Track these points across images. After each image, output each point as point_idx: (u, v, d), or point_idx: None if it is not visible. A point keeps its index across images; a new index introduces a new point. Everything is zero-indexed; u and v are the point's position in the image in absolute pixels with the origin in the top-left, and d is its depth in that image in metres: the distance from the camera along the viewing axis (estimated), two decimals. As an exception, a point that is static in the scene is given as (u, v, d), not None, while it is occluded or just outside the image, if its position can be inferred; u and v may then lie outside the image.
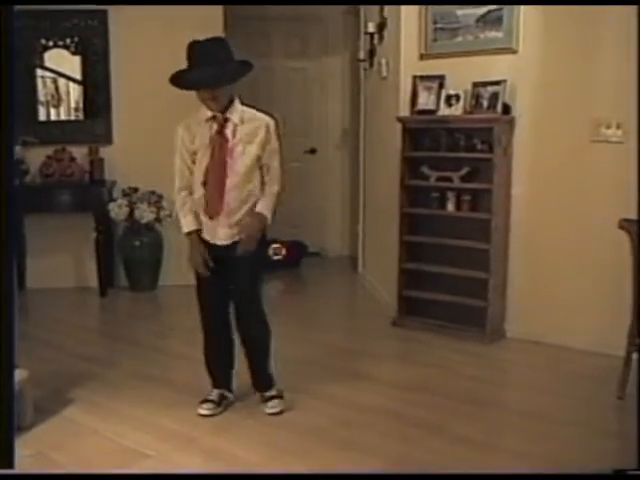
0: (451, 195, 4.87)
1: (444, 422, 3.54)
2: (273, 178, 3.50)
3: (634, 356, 3.77)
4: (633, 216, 3.70)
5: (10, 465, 2.64)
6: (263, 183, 3.49)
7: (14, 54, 5.64)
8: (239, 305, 3.60)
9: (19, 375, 3.34)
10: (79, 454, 3.21)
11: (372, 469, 3.08)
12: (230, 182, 3.40)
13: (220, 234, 3.47)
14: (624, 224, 3.70)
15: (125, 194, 6.08)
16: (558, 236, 4.61)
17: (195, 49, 3.37)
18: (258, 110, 3.55)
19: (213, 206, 3.42)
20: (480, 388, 4.04)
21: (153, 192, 6.06)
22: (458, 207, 4.86)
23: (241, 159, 3.41)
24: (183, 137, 3.53)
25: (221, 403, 3.67)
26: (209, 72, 3.31)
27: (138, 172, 6.09)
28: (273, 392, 3.69)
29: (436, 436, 3.39)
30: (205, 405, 3.63)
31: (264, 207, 3.47)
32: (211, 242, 3.49)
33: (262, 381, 3.73)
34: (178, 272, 6.24)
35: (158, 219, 6.06)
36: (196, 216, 3.50)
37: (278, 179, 3.51)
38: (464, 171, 4.77)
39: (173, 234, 6.18)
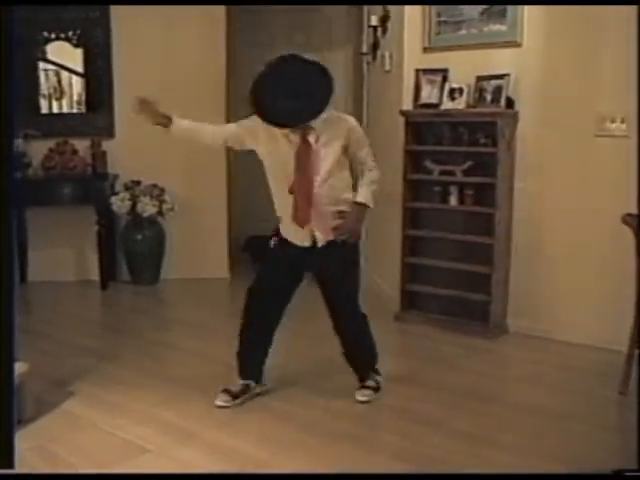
0: (454, 189, 4.85)
1: (445, 417, 3.53)
2: (366, 165, 3.53)
3: (637, 352, 3.74)
4: (637, 211, 3.67)
5: (10, 465, 2.63)
6: (356, 179, 3.56)
7: (16, 46, 5.66)
8: (338, 305, 3.68)
9: (19, 368, 3.33)
10: (79, 447, 3.20)
11: (373, 464, 3.07)
12: (316, 185, 3.41)
13: (318, 236, 3.49)
14: (627, 219, 3.68)
15: (127, 187, 6.07)
16: (561, 231, 4.59)
17: (273, 75, 3.32)
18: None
19: (302, 215, 3.42)
20: (482, 383, 4.02)
21: (155, 185, 6.06)
22: (461, 201, 4.84)
23: (324, 162, 3.41)
24: (251, 130, 3.47)
25: (240, 396, 3.66)
26: (297, 108, 3.25)
27: (140, 165, 6.09)
28: (371, 382, 3.74)
29: (437, 431, 3.38)
30: (223, 396, 3.63)
31: (361, 196, 3.49)
32: (301, 245, 3.52)
33: (365, 369, 3.79)
34: (180, 266, 6.26)
35: (160, 213, 6.05)
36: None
37: (373, 165, 3.55)
38: (467, 165, 4.75)
39: (175, 227, 6.19)
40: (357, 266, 3.71)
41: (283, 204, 3.48)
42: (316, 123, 3.37)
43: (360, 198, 3.48)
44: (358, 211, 3.50)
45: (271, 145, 3.43)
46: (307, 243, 3.50)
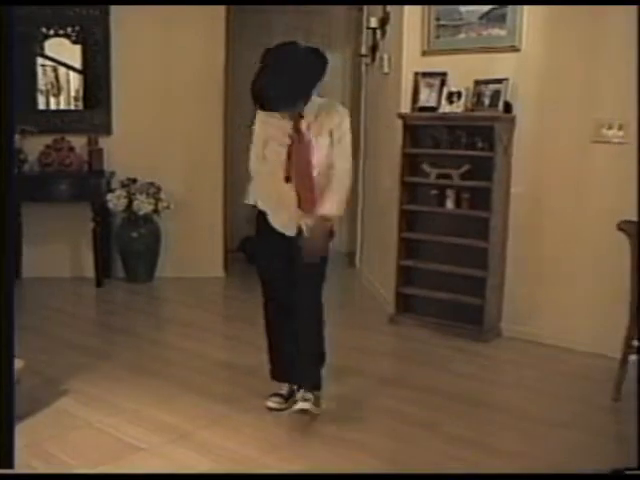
0: (450, 193, 4.86)
1: (439, 420, 3.54)
2: (342, 154, 3.43)
3: (630, 358, 3.75)
4: (633, 217, 3.68)
5: (10, 465, 2.63)
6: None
7: (15, 42, 5.66)
8: (299, 291, 3.54)
9: (14, 365, 3.32)
10: (72, 445, 3.20)
11: (365, 466, 3.07)
12: (314, 173, 3.42)
13: (289, 225, 3.48)
14: (623, 226, 3.69)
15: (123, 185, 6.06)
16: (556, 236, 4.60)
17: (266, 61, 3.31)
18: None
19: (307, 201, 3.41)
20: (475, 387, 4.03)
21: (152, 183, 6.05)
22: (457, 205, 4.85)
23: (318, 152, 3.40)
24: (261, 122, 3.49)
25: (289, 398, 3.64)
26: (276, 95, 3.24)
27: (137, 163, 6.09)
28: (309, 394, 3.53)
29: (430, 434, 3.39)
30: (274, 398, 3.62)
31: (325, 207, 3.37)
32: (280, 231, 3.51)
33: (303, 376, 3.61)
34: (175, 264, 6.25)
35: (156, 211, 6.05)
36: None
37: (348, 155, 3.45)
38: (464, 169, 4.76)
39: (171, 226, 6.19)
40: (326, 261, 3.60)
41: (276, 192, 3.47)
42: (307, 112, 3.38)
43: (324, 210, 3.37)
44: (323, 226, 3.39)
45: (268, 134, 3.45)
46: (292, 233, 3.48)
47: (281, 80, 3.23)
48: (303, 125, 3.40)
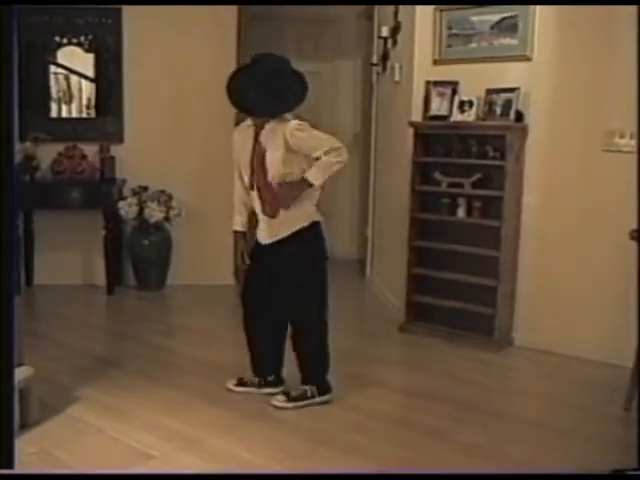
0: (462, 201, 4.85)
1: (449, 429, 3.53)
2: (323, 151, 3.49)
3: (643, 368, 3.74)
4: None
5: (10, 465, 2.63)
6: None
7: (29, 50, 5.73)
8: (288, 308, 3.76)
9: (25, 372, 3.34)
10: (83, 453, 3.20)
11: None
12: (274, 183, 3.57)
13: (265, 234, 3.69)
14: (635, 235, 3.68)
15: (135, 193, 6.07)
16: (568, 245, 4.59)
17: (253, 64, 3.58)
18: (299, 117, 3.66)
19: (271, 206, 3.60)
20: (487, 396, 4.02)
21: (163, 191, 6.06)
22: (469, 213, 4.84)
23: (271, 165, 3.55)
24: (235, 140, 3.73)
25: (249, 386, 3.88)
26: (259, 100, 3.49)
27: (148, 171, 6.11)
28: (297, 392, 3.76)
29: (441, 443, 3.38)
30: (234, 381, 3.89)
31: (311, 173, 3.50)
32: (262, 242, 3.72)
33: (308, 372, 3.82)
34: (186, 272, 6.26)
35: (167, 218, 6.06)
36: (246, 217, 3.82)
37: (323, 140, 3.54)
38: (475, 177, 4.75)
39: (182, 233, 6.20)
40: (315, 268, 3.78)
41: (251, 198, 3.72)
42: (270, 125, 3.54)
43: (309, 175, 3.51)
44: (298, 183, 3.54)
45: (242, 139, 3.66)
46: (264, 240, 3.70)
47: (265, 86, 3.46)
48: (262, 135, 3.57)
